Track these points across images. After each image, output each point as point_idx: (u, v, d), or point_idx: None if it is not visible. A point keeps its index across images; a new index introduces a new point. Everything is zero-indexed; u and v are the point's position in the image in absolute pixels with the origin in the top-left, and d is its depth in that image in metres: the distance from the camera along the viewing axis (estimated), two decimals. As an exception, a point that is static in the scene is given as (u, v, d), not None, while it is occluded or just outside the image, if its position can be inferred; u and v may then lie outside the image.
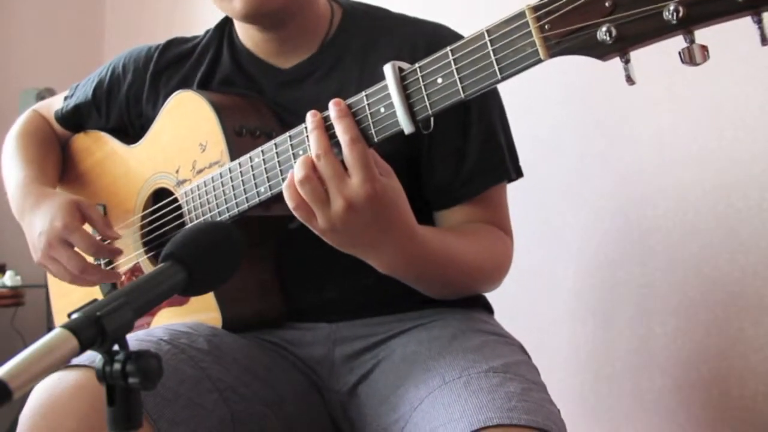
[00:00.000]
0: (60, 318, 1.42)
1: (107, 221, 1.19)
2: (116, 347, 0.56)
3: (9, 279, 3.06)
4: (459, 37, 1.10)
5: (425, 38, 1.09)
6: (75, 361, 0.85)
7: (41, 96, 2.63)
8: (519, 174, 1.14)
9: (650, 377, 1.45)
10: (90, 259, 1.15)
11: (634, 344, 1.47)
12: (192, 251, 0.66)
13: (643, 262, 1.46)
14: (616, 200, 1.53)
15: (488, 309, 1.18)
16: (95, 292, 1.28)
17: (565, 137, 1.64)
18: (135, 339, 0.97)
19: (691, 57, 0.65)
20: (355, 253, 0.91)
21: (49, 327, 2.97)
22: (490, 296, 1.17)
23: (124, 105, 1.27)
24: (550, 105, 1.62)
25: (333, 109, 0.85)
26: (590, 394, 1.56)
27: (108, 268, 1.26)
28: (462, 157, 1.08)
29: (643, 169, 1.47)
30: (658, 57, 0.77)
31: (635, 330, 1.47)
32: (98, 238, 1.16)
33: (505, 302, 1.21)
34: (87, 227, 1.15)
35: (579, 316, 1.60)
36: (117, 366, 0.55)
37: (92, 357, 0.78)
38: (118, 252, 1.17)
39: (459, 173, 1.08)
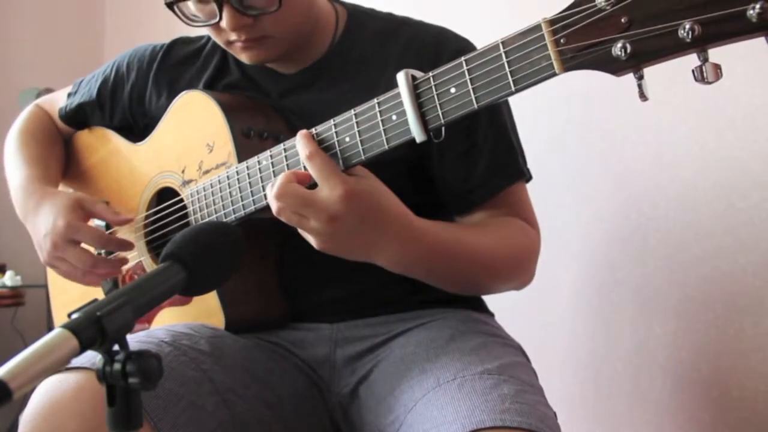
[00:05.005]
0: (59, 315, 1.42)
1: (113, 209, 1.17)
2: (116, 347, 0.56)
3: (9, 279, 3.06)
4: (463, 41, 1.11)
5: (431, 42, 1.08)
6: (76, 362, 0.85)
7: (41, 96, 2.63)
8: (529, 175, 1.13)
9: (650, 377, 1.44)
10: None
11: (634, 344, 1.47)
12: (192, 251, 0.66)
13: (643, 262, 1.46)
14: (617, 200, 1.52)
15: (488, 311, 1.18)
16: (95, 290, 1.28)
17: (565, 137, 1.64)
18: (136, 340, 0.97)
19: (703, 75, 0.65)
20: (360, 257, 0.91)
21: (49, 327, 2.97)
22: (490, 296, 1.17)
23: (127, 105, 1.26)
24: (550, 105, 1.61)
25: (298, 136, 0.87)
26: (590, 395, 1.56)
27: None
28: (474, 159, 1.07)
29: (644, 170, 1.47)
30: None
31: (635, 330, 1.47)
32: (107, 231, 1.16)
33: (506, 302, 1.21)
34: (91, 222, 1.15)
35: (579, 316, 1.60)
36: (117, 366, 0.55)
37: (93, 358, 0.78)
38: (128, 244, 1.16)
39: (473, 176, 1.07)
